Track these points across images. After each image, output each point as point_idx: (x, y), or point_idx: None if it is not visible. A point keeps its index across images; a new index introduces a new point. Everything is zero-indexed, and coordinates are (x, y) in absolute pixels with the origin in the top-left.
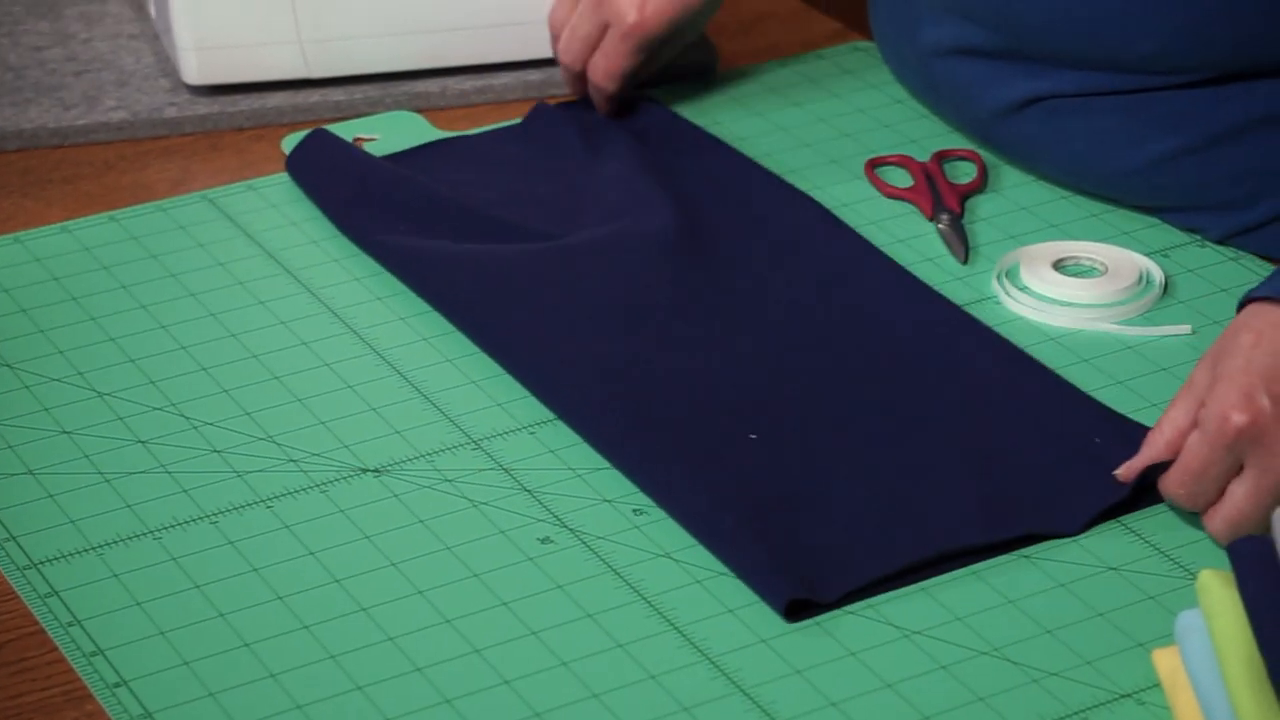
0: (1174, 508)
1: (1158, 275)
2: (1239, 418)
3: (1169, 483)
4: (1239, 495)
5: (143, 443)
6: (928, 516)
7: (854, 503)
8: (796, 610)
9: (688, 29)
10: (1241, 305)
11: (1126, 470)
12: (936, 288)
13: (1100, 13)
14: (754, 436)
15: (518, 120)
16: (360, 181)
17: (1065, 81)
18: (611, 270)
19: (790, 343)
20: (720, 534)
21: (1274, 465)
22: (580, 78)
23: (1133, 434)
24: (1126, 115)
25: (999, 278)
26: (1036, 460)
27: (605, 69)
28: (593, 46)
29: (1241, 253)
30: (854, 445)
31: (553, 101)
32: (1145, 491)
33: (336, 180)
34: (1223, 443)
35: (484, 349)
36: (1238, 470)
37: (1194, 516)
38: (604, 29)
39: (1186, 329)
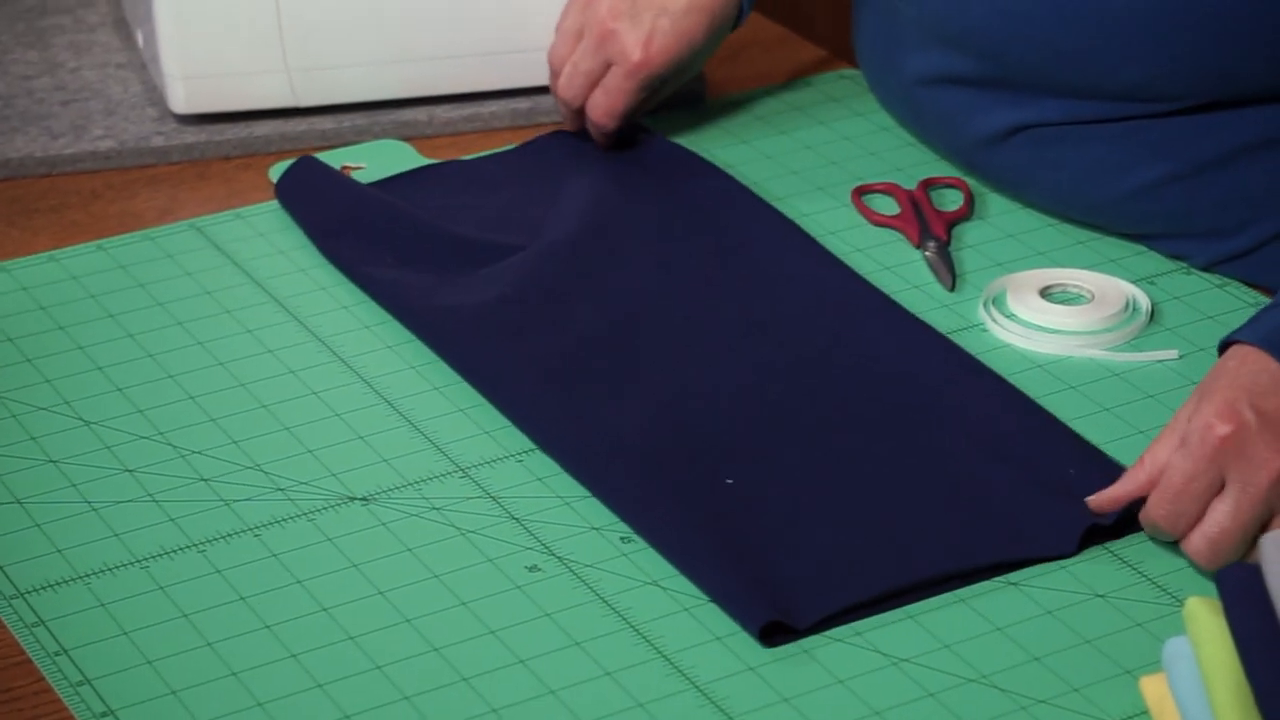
0: (1159, 540)
1: (1144, 302)
2: (1222, 428)
3: (1150, 508)
4: (1221, 513)
5: (130, 471)
6: (905, 543)
7: (832, 529)
8: (772, 634)
9: (690, 66)
10: (1224, 346)
11: (1100, 500)
12: (923, 315)
13: (1086, 42)
14: (730, 481)
15: (508, 146)
16: (348, 209)
17: (1051, 110)
18: (594, 301)
19: (771, 371)
20: (697, 560)
21: (1256, 480)
22: (579, 114)
23: (1109, 468)
24: (1113, 143)
25: (986, 305)
26: (1014, 490)
27: (607, 107)
28: (594, 83)
29: (1228, 279)
30: (832, 472)
31: (543, 130)
32: (1130, 520)
33: (324, 207)
34: (1205, 455)
35: (468, 381)
36: (1219, 489)
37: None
38: (606, 67)
39: (1174, 354)
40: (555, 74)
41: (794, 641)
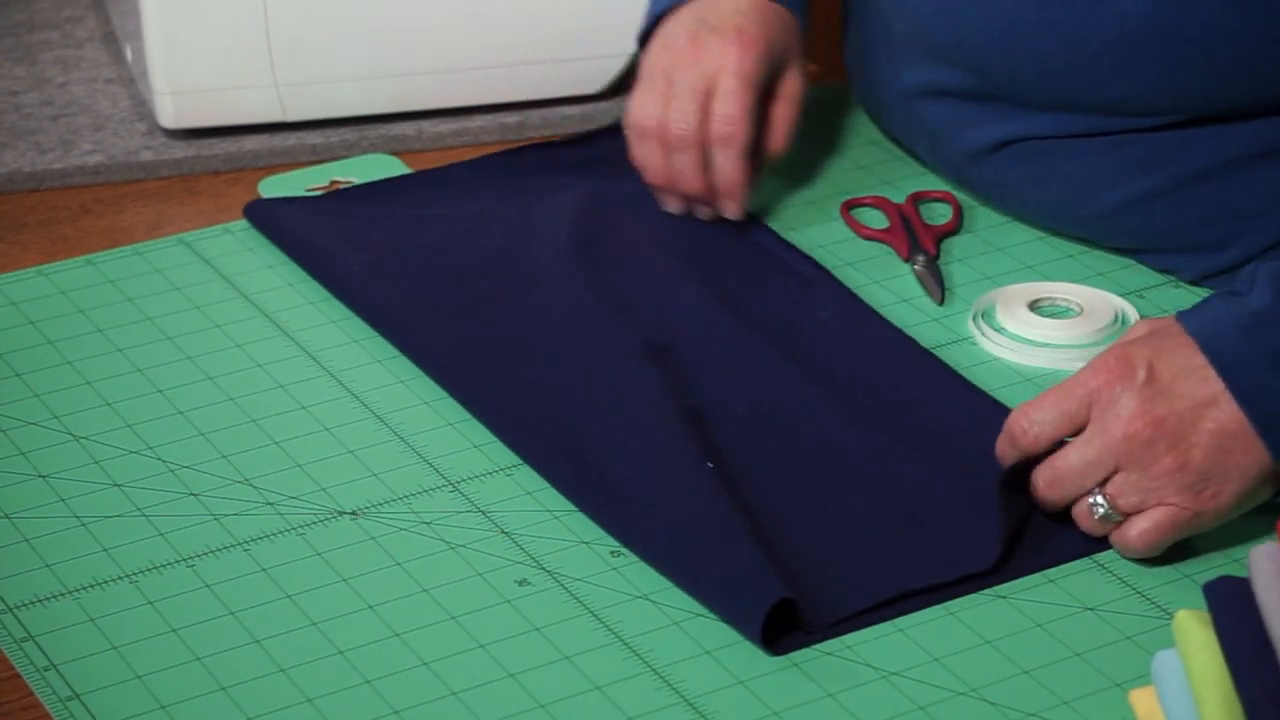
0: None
1: (1133, 315)
2: (1108, 371)
3: (1013, 417)
4: (1072, 449)
5: (119, 486)
6: (901, 552)
7: (825, 539)
8: (773, 637)
9: (774, 69)
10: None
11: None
12: (912, 328)
13: (1076, 57)
14: (710, 465)
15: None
16: (314, 238)
17: (1039, 124)
18: (578, 318)
19: (760, 385)
20: (696, 561)
21: (1113, 428)
22: (690, 174)
23: None
24: (1100, 157)
25: (975, 319)
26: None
27: (726, 112)
28: (702, 102)
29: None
30: (820, 485)
31: (530, 143)
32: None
33: (292, 240)
34: (1082, 391)
35: (451, 393)
36: (1074, 432)
37: (1171, 557)
38: (709, 86)
39: None
40: (646, 131)
41: (784, 654)
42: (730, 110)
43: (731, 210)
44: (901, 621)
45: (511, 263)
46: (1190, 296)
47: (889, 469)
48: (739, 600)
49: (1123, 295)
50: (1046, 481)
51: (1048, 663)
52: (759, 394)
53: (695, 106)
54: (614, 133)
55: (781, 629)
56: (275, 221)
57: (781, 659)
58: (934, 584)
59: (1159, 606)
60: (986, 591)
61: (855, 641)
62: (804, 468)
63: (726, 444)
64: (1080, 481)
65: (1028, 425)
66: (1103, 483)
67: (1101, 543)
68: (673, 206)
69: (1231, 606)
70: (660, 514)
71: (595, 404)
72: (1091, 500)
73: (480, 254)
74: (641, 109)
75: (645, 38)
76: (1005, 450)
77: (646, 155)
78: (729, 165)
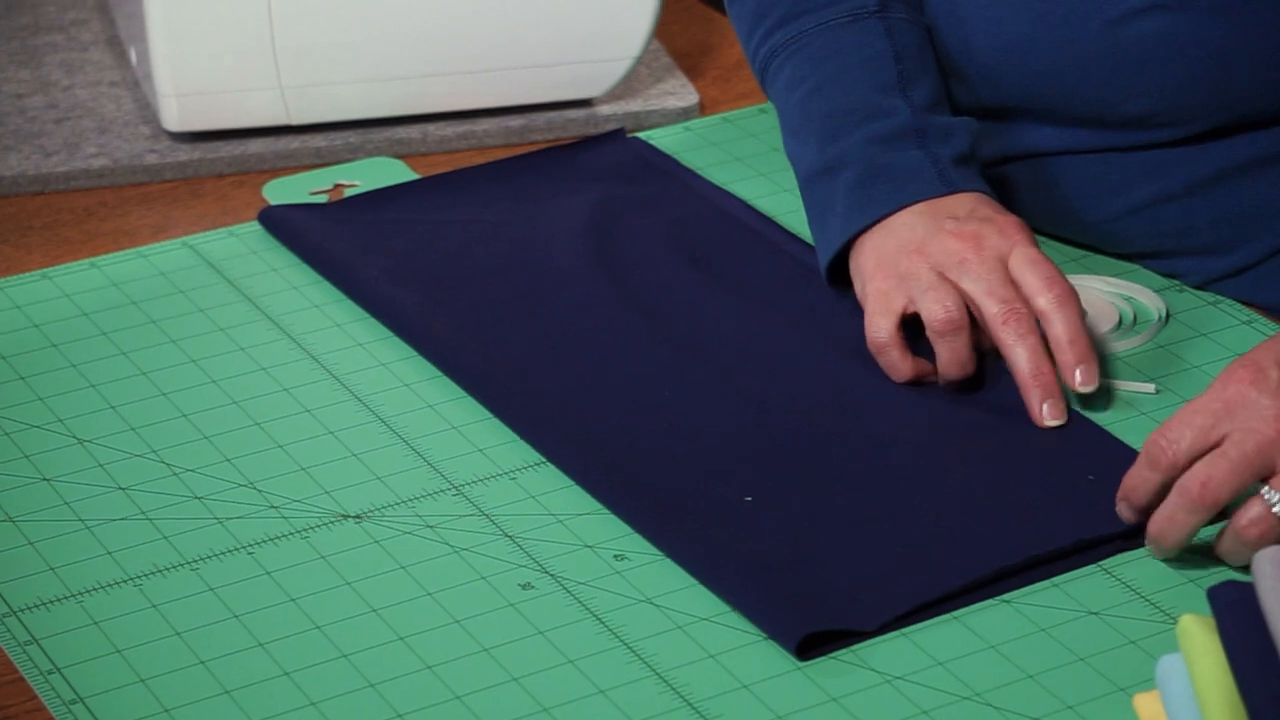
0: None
1: (1149, 308)
2: (1242, 374)
3: (1152, 436)
4: (1219, 456)
5: (123, 489)
6: (950, 545)
7: (865, 540)
8: (807, 648)
9: None
10: None
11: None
12: None
13: (1090, 76)
14: (749, 499)
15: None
16: (330, 241)
17: (1050, 138)
18: (604, 325)
19: (783, 386)
20: (730, 577)
21: (1258, 428)
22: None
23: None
24: (1108, 166)
25: None
26: (1044, 491)
27: (1048, 274)
28: (1009, 278)
29: (1220, 298)
30: (856, 486)
31: (534, 146)
32: (1127, 535)
33: (307, 244)
34: (1218, 397)
35: (476, 397)
36: (1216, 438)
37: (1174, 561)
38: (1003, 262)
39: (1151, 389)
40: (955, 324)
41: (792, 655)
42: (1052, 272)
43: (1088, 379)
44: (906, 626)
45: (529, 267)
46: (1194, 300)
47: (930, 466)
48: (776, 615)
49: (1124, 297)
50: (1199, 491)
51: (1052, 667)
52: (789, 394)
53: (1006, 280)
54: (620, 137)
55: (813, 638)
56: (290, 228)
57: (786, 662)
58: (973, 582)
59: (1163, 611)
60: (991, 597)
61: (859, 645)
62: (839, 466)
63: (759, 445)
64: (1237, 483)
65: (1166, 445)
66: (1262, 482)
67: (1103, 549)
68: (1052, 414)
69: (1235, 611)
70: (694, 518)
71: (626, 407)
72: (1267, 498)
73: (498, 258)
74: (932, 310)
75: (834, 264)
76: (1143, 475)
77: (959, 351)
78: (1076, 327)
